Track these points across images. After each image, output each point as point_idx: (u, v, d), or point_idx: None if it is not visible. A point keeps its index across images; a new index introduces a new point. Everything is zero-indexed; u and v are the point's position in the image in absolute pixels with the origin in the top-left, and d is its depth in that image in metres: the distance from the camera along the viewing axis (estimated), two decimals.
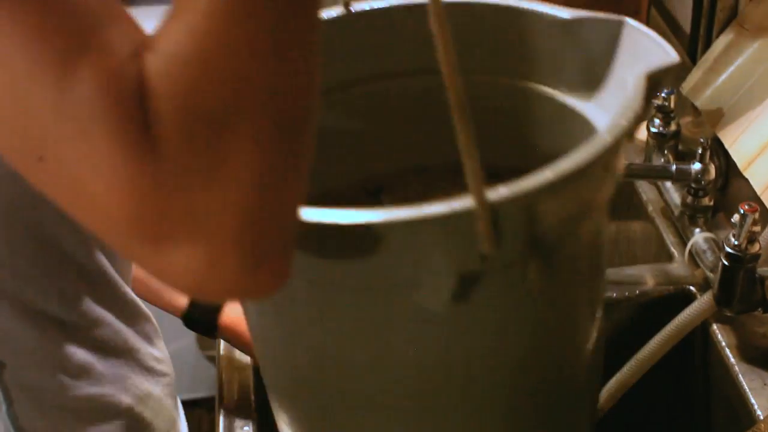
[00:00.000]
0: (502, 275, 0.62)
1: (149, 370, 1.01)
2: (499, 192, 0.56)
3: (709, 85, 1.24)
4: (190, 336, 1.98)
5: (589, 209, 0.66)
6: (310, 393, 0.72)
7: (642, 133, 1.32)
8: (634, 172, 1.28)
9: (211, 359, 2.03)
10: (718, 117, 1.23)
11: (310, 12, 0.48)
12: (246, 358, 1.14)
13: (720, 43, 1.24)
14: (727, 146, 1.19)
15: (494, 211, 0.56)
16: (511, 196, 0.56)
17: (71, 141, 0.44)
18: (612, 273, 1.22)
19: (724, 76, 1.23)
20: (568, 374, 0.74)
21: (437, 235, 0.58)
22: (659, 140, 1.26)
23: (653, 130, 1.26)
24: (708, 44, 1.27)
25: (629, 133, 0.62)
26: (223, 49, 0.44)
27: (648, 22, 1.46)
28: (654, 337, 1.13)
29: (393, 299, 0.63)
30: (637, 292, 1.19)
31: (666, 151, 1.26)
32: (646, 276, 1.21)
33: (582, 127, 0.75)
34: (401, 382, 0.68)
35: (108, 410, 0.96)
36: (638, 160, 1.35)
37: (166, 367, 1.05)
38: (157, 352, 1.03)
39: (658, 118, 1.26)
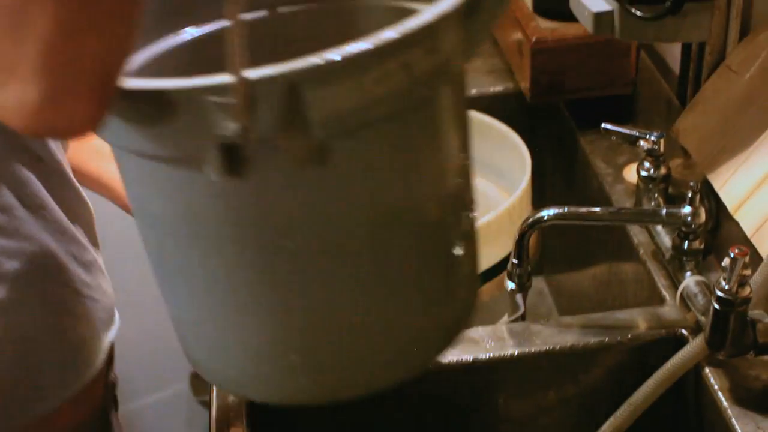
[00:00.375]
0: (268, 154, 0.67)
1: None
2: (259, 71, 0.62)
3: (698, 127, 1.25)
4: (183, 381, 1.97)
5: (384, 105, 0.68)
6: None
7: (632, 176, 1.32)
8: (625, 217, 1.28)
9: (205, 404, 2.02)
10: (707, 159, 1.23)
11: None
12: (240, 403, 1.14)
13: (709, 86, 1.24)
14: (716, 189, 1.19)
15: (252, 88, 0.62)
16: (269, 75, 0.62)
17: None
18: (603, 317, 1.22)
19: (713, 119, 1.23)
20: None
21: (201, 107, 0.64)
22: (649, 183, 1.26)
23: (643, 173, 1.26)
24: (697, 87, 1.27)
25: (428, 35, 0.66)
26: None
27: (637, 64, 1.47)
28: (646, 381, 1.13)
29: (190, 172, 0.69)
30: (629, 336, 1.19)
31: (656, 194, 1.26)
32: (638, 319, 1.20)
33: None
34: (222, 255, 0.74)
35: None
36: (629, 203, 1.35)
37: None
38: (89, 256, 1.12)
39: (648, 161, 1.26)
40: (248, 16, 0.85)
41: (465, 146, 0.77)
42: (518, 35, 1.52)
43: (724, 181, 1.19)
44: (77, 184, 1.11)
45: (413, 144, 0.73)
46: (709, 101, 1.24)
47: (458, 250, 0.81)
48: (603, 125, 1.26)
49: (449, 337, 0.84)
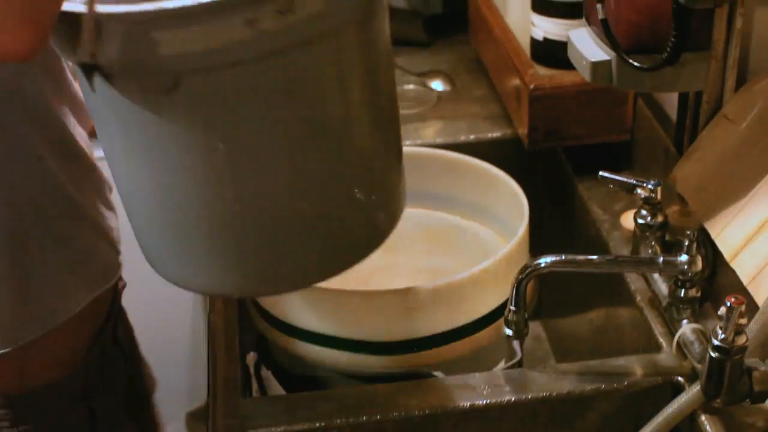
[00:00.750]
0: (128, 78, 0.85)
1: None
2: (108, 8, 0.79)
3: (695, 175, 1.25)
4: (179, 421, 1.97)
5: (229, 53, 0.81)
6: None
7: (630, 223, 1.33)
8: (622, 265, 1.28)
9: None
10: (704, 207, 1.23)
11: None
12: None
13: (706, 134, 1.25)
14: (713, 236, 1.20)
15: (98, 21, 0.80)
16: (113, 13, 0.79)
17: None
18: (600, 364, 1.22)
19: (710, 167, 1.24)
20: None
21: (65, 31, 0.82)
22: (646, 231, 1.26)
23: (640, 221, 1.26)
24: (694, 135, 1.28)
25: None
26: None
27: (635, 112, 1.48)
28: (643, 428, 1.13)
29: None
30: (626, 383, 1.19)
31: (653, 242, 1.26)
32: (635, 366, 1.21)
33: None
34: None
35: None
36: (626, 249, 1.35)
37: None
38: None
39: (645, 209, 1.27)
40: None
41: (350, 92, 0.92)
42: (516, 82, 1.53)
43: (721, 229, 1.20)
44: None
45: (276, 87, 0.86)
46: (706, 149, 1.25)
47: (375, 164, 0.96)
48: (600, 173, 1.27)
49: (374, 239, 0.98)
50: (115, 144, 0.94)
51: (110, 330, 1.26)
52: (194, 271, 0.97)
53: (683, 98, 1.32)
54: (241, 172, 0.89)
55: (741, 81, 1.23)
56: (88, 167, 1.20)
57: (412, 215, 1.44)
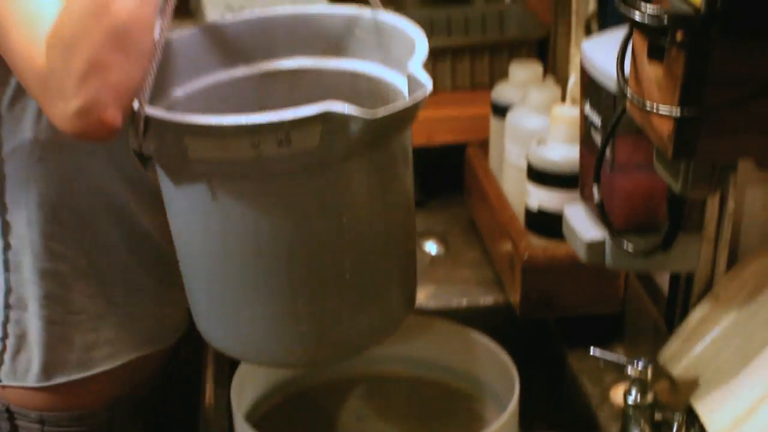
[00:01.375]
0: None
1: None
2: (155, 112, 1.04)
3: (685, 354, 1.25)
4: None
5: (238, 166, 1.04)
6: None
7: (619, 398, 1.32)
8: None
9: None
10: (693, 387, 1.23)
11: None
12: None
13: (696, 314, 1.25)
14: (701, 417, 1.19)
15: (146, 118, 1.04)
16: (157, 117, 1.04)
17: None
18: None
19: (699, 347, 1.24)
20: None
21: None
22: (635, 411, 1.26)
23: (629, 401, 1.26)
24: (685, 313, 1.28)
25: (275, 128, 1.00)
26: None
27: (626, 286, 1.49)
28: None
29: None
30: None
31: (642, 421, 1.25)
32: None
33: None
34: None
35: None
36: (615, 426, 1.34)
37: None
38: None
39: (634, 388, 1.26)
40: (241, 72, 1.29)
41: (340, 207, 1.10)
42: (510, 250, 1.54)
43: (710, 409, 1.19)
44: None
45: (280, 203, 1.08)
46: (696, 329, 1.25)
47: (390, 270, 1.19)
48: (592, 351, 1.26)
49: (407, 311, 1.24)
50: (174, 222, 1.18)
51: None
52: (250, 345, 1.19)
53: (675, 277, 1.33)
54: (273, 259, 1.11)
55: (732, 261, 1.24)
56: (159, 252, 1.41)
57: (402, 379, 1.43)
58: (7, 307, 1.36)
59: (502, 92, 1.77)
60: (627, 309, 1.50)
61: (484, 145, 1.80)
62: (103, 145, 1.28)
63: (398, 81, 1.21)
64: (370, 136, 1.03)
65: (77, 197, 1.33)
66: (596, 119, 1.21)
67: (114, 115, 1.04)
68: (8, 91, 1.27)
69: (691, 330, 1.25)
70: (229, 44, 1.27)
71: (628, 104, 1.08)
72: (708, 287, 1.26)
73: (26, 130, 1.28)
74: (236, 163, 1.03)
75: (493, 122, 1.76)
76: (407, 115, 1.07)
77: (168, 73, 1.20)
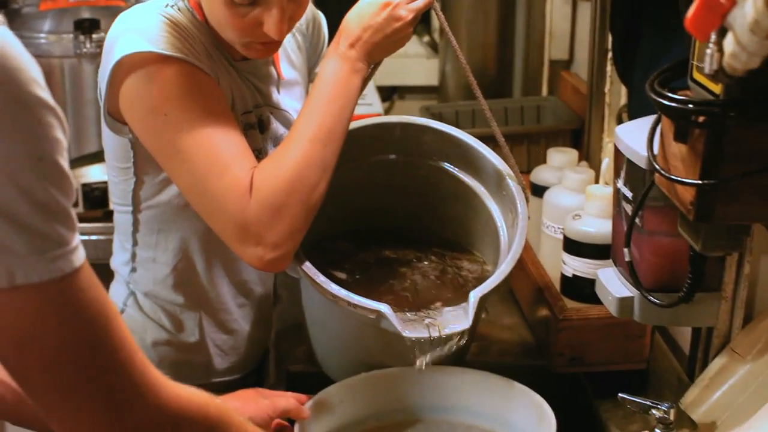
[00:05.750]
0: None
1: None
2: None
3: (704, 401, 1.42)
4: None
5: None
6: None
7: None
8: None
9: None
10: (712, 430, 1.39)
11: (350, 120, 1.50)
12: None
13: (715, 365, 1.43)
14: None
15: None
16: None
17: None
18: None
19: (718, 394, 1.40)
20: None
21: None
22: None
23: None
24: (705, 365, 1.45)
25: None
26: (287, 170, 1.46)
27: (652, 343, 1.66)
28: None
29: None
30: None
31: None
32: None
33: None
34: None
35: None
36: None
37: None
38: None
39: (659, 428, 1.42)
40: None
41: None
42: (546, 313, 1.72)
43: None
44: None
45: None
46: (715, 378, 1.42)
47: None
48: (620, 395, 1.43)
49: None
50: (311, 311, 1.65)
51: None
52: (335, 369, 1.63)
53: (696, 332, 1.50)
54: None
55: (748, 318, 1.41)
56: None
57: (455, 426, 1.58)
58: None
59: (540, 174, 1.97)
60: (651, 365, 1.66)
61: None
62: None
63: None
64: None
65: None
66: (628, 193, 1.39)
67: (289, 261, 1.47)
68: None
69: (710, 379, 1.43)
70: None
71: (656, 177, 1.27)
72: (726, 342, 1.43)
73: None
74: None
75: (532, 200, 1.95)
76: None
77: None
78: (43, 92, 0.87)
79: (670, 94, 1.17)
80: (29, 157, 0.86)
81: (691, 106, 1.15)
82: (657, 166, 1.23)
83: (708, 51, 0.99)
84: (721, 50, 0.97)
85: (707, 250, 1.25)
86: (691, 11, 0.94)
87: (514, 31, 2.75)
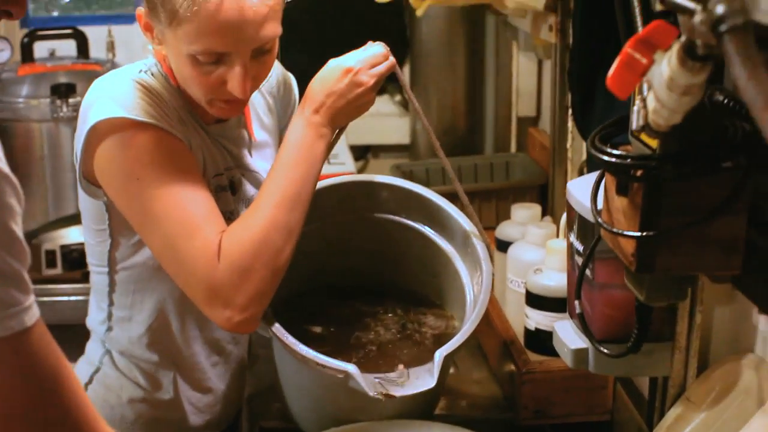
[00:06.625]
0: None
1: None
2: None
3: None
4: None
5: None
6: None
7: None
8: None
9: None
10: None
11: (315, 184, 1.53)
12: None
13: (671, 415, 1.44)
14: None
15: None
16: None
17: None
18: None
19: None
20: None
21: None
22: None
23: None
24: (662, 414, 1.47)
25: None
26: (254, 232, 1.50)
27: (614, 395, 1.68)
28: None
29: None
30: None
31: None
32: None
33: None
34: None
35: None
36: None
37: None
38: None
39: None
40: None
41: None
42: (511, 367, 1.74)
43: None
44: None
45: None
46: (672, 428, 1.43)
47: None
48: None
49: None
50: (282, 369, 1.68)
51: None
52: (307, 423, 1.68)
53: (653, 382, 1.53)
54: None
55: (702, 368, 1.43)
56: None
57: None
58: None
59: (504, 230, 2.00)
60: (615, 416, 1.68)
61: None
62: None
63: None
64: None
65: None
66: (579, 246, 1.42)
67: (257, 323, 1.51)
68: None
69: (667, 428, 1.44)
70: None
71: (602, 231, 1.30)
72: (681, 391, 1.45)
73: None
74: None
75: (497, 255, 1.98)
76: None
77: None
78: None
79: (609, 150, 1.20)
80: None
81: (629, 160, 1.18)
82: (599, 220, 1.26)
83: (634, 108, 1.02)
84: (646, 107, 1.01)
85: (651, 300, 1.27)
86: (612, 70, 0.98)
87: (484, 89, 2.80)
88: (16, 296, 0.95)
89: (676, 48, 0.92)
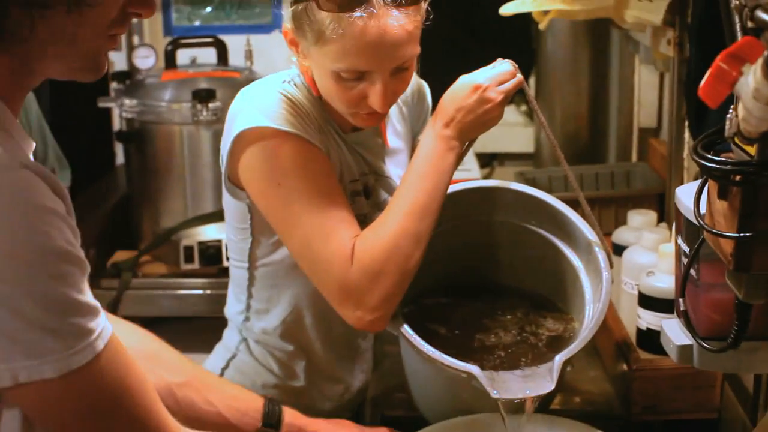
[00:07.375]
0: None
1: None
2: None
3: None
4: None
5: None
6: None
7: None
8: None
9: None
10: None
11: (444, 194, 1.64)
12: None
13: None
14: None
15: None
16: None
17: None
18: None
19: None
20: None
21: None
22: None
23: None
24: (766, 411, 1.54)
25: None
26: (388, 238, 1.61)
27: (722, 393, 1.74)
28: None
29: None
30: None
31: None
32: None
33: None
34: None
35: None
36: None
37: None
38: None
39: None
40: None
41: None
42: (623, 365, 1.82)
43: None
44: None
45: None
46: None
47: None
48: None
49: None
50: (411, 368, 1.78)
51: None
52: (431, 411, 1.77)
53: (757, 380, 1.59)
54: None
55: None
56: None
57: None
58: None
59: (620, 235, 2.08)
60: (723, 414, 1.75)
61: None
62: None
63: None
64: None
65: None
66: (686, 248, 1.50)
67: (386, 322, 1.61)
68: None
69: (765, 424, 1.51)
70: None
71: (704, 233, 1.38)
72: None
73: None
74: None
75: (613, 259, 2.06)
76: None
77: None
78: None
79: (710, 156, 1.28)
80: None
81: (728, 166, 1.26)
82: (701, 222, 1.34)
83: (728, 116, 1.11)
84: (737, 116, 1.09)
85: (749, 298, 1.34)
86: (704, 80, 1.06)
87: (607, 100, 2.88)
88: (83, 324, 1.06)
89: (760, 62, 1.00)
